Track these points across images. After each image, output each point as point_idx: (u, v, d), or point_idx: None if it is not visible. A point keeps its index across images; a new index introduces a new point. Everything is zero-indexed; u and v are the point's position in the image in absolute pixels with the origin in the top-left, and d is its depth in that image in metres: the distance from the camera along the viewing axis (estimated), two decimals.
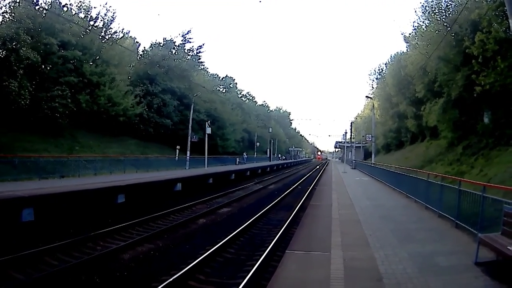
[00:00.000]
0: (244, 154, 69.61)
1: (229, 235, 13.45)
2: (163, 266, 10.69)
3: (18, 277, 9.56)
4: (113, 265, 10.66)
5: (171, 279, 8.90)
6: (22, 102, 29.44)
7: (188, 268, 9.76)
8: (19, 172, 22.31)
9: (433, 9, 36.59)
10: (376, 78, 76.40)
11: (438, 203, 13.39)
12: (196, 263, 10.28)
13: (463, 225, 10.80)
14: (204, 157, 44.55)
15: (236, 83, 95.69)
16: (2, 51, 30.00)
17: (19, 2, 31.82)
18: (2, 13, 30.84)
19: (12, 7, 31.53)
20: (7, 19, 31.00)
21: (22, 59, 29.59)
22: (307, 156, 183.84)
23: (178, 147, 43.82)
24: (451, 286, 6.93)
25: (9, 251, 10.78)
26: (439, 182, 13.91)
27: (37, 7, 34.44)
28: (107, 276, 9.80)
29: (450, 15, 34.36)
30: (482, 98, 30.14)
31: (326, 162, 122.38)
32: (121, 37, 47.68)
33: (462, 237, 10.35)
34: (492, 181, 20.69)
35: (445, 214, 12.52)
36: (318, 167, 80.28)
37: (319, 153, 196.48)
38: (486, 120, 32.11)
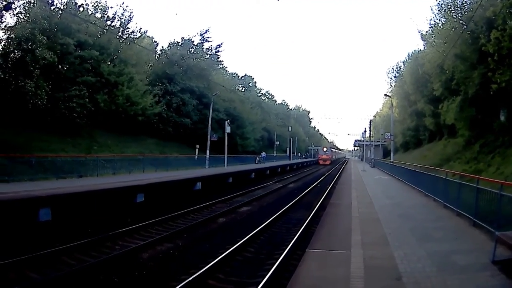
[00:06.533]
0: (262, 153, 68.15)
1: (249, 234, 13.34)
2: (183, 265, 10.62)
3: (35, 277, 9.47)
4: (132, 265, 10.57)
5: (190, 278, 8.84)
6: (39, 102, 29.56)
7: (208, 267, 9.68)
8: (36, 172, 22.17)
9: (449, 6, 36.91)
10: (394, 76, 77.06)
11: (456, 201, 13.29)
12: (216, 262, 10.19)
13: (481, 223, 10.72)
14: (224, 156, 44.23)
15: (255, 82, 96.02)
16: (18, 52, 30.09)
17: (33, 3, 31.72)
18: (17, 13, 30.74)
19: (26, 8, 31.44)
20: (22, 20, 30.92)
21: (38, 59, 29.59)
22: None
23: (197, 146, 43.81)
24: (468, 285, 6.92)
25: (26, 250, 10.69)
26: (457, 181, 13.82)
27: (52, 8, 34.46)
28: (125, 276, 9.72)
29: (466, 13, 34.66)
30: (498, 96, 30.13)
31: (345, 161, 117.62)
32: (139, 37, 47.72)
33: (479, 235, 10.29)
34: (509, 179, 21.02)
35: (463, 213, 12.46)
36: (337, 166, 79.49)
37: (325, 149, 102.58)
38: (502, 118, 32.17)
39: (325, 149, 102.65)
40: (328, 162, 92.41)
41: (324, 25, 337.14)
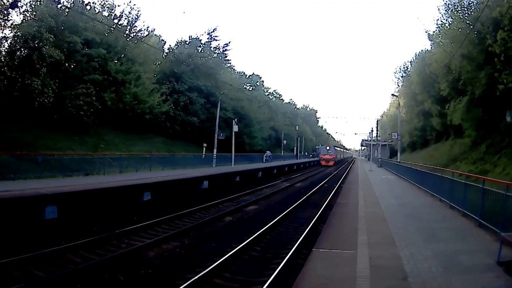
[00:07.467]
0: (267, 152, 66.89)
1: (256, 233, 13.29)
2: (189, 263, 10.55)
3: (40, 274, 9.43)
4: (137, 263, 10.53)
5: (196, 277, 8.78)
6: (46, 100, 29.60)
7: (214, 266, 9.64)
8: (42, 169, 22.20)
9: (456, 7, 36.78)
10: (402, 76, 76.87)
11: (462, 202, 13.31)
12: (222, 261, 10.14)
13: (486, 224, 10.74)
14: (231, 155, 44.37)
15: (262, 81, 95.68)
16: (24, 50, 30.26)
17: (40, 1, 31.89)
18: (23, 11, 30.89)
19: (33, 6, 31.56)
20: (29, 18, 30.97)
21: (45, 57, 29.72)
22: None
23: (205, 145, 43.76)
24: (473, 285, 6.98)
25: (31, 248, 10.64)
26: (463, 181, 13.84)
27: (59, 6, 34.28)
28: (131, 274, 9.67)
29: (472, 13, 34.49)
30: (505, 97, 29.97)
31: (352, 161, 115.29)
32: (146, 35, 47.83)
33: (485, 236, 10.33)
34: None
35: (468, 213, 12.49)
36: (344, 165, 78.90)
37: (328, 148, 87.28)
38: (508, 118, 32.07)
39: (328, 147, 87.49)
40: (331, 163, 78.69)
41: (332, 24, 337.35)
